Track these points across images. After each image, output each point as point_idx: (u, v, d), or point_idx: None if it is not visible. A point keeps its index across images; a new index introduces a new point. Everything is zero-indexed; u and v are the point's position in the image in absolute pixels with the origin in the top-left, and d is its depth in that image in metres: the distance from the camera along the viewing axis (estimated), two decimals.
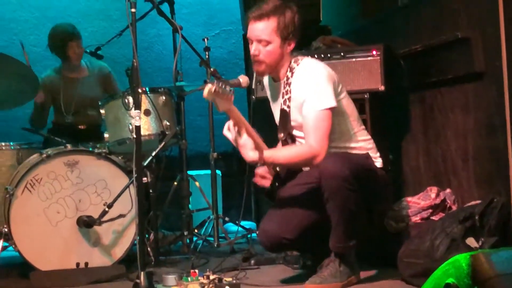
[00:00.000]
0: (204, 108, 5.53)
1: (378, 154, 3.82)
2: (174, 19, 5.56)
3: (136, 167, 3.34)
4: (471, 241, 3.46)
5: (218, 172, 6.34)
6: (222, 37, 6.78)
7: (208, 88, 3.28)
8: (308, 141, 3.57)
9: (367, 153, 3.74)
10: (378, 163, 3.78)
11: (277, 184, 3.73)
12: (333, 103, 3.56)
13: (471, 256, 2.56)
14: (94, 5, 6.61)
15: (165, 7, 5.45)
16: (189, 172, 5.55)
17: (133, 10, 3.47)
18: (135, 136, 3.42)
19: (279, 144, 3.84)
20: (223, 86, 3.32)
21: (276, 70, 3.74)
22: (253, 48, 3.68)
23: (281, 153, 3.65)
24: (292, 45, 3.69)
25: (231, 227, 5.79)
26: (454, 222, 3.53)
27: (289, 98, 3.70)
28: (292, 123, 3.73)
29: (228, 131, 3.59)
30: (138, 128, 3.38)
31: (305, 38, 4.95)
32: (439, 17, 4.25)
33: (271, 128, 4.06)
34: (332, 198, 3.50)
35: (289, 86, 3.70)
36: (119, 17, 6.53)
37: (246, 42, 6.01)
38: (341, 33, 5.60)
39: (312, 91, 3.57)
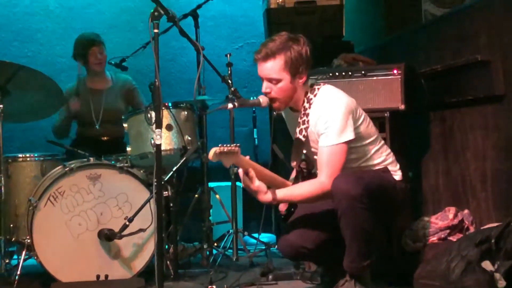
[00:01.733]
0: (226, 121, 5.57)
1: (397, 167, 3.83)
2: (199, 32, 5.64)
3: (157, 187, 3.39)
4: (486, 265, 3.46)
5: (239, 184, 6.39)
6: (245, 50, 6.82)
7: (213, 152, 3.35)
8: (320, 176, 3.60)
9: (385, 167, 3.76)
10: (397, 176, 3.79)
11: (292, 209, 3.77)
12: (349, 137, 3.59)
13: None
14: (120, 16, 6.68)
15: (189, 21, 5.56)
16: (211, 184, 5.61)
17: (155, 30, 3.52)
18: (156, 153, 3.48)
19: (293, 172, 3.87)
20: (227, 145, 3.37)
21: (292, 103, 3.76)
22: (264, 86, 3.71)
23: (294, 192, 3.65)
24: (304, 78, 3.69)
25: (251, 239, 5.82)
26: (470, 245, 3.54)
27: (306, 128, 3.72)
28: (312, 150, 3.76)
29: (241, 177, 3.62)
30: (158, 147, 3.43)
31: (327, 54, 5.04)
32: (460, 38, 4.26)
33: (290, 145, 4.11)
34: (345, 217, 3.52)
35: (307, 117, 3.71)
36: (144, 28, 6.52)
37: None
38: (364, 48, 5.64)
39: (328, 125, 3.58)
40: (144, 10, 6.18)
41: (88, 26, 6.33)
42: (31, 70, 4.52)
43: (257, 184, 3.54)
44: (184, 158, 4.43)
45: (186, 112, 4.64)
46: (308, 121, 3.70)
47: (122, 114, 5.30)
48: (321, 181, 3.56)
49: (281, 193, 3.59)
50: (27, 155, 4.87)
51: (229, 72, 5.24)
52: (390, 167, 3.78)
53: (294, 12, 5.58)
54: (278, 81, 3.66)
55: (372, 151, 3.76)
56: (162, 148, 4.43)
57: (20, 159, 4.83)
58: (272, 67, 3.66)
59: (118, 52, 5.62)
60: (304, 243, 3.74)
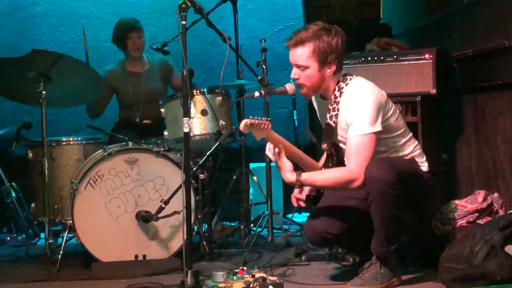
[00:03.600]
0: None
1: (424, 158, 3.88)
2: (237, 16, 5.73)
3: (185, 173, 3.53)
4: (510, 249, 3.50)
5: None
6: (285, 33, 6.87)
7: (244, 123, 3.49)
8: (348, 165, 3.67)
9: (413, 158, 3.82)
10: (424, 167, 3.85)
11: (322, 190, 3.87)
12: (378, 128, 3.64)
13: None
14: (163, 1, 6.80)
15: (228, 5, 5.65)
16: (251, 165, 5.73)
17: (183, 22, 3.62)
18: (184, 141, 3.60)
19: (324, 155, 3.95)
20: (259, 118, 3.51)
21: (321, 91, 3.84)
22: (293, 72, 3.80)
23: (319, 176, 3.75)
24: (333, 68, 3.73)
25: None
26: (494, 229, 3.58)
27: (336, 115, 3.77)
28: (339, 138, 3.82)
29: (269, 151, 3.73)
30: (186, 135, 3.55)
31: (364, 37, 5.08)
32: (491, 23, 4.28)
33: None
34: (376, 202, 3.61)
35: (337, 105, 3.76)
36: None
37: None
38: (401, 30, 5.66)
39: (358, 115, 3.64)
40: None
41: (131, 10, 6.50)
42: (70, 58, 4.69)
43: (283, 160, 3.66)
44: (218, 143, 4.54)
45: (220, 97, 4.75)
46: (338, 109, 3.77)
47: (162, 94, 5.46)
48: (350, 169, 3.64)
49: (305, 175, 3.69)
50: (70, 138, 5.05)
51: (264, 57, 5.31)
52: (417, 159, 3.83)
53: None
54: (305, 68, 3.75)
55: (401, 143, 3.81)
56: (197, 132, 4.64)
57: (64, 143, 5.01)
58: (300, 54, 3.75)
59: (160, 37, 5.75)
60: (330, 229, 3.85)
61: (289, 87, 3.86)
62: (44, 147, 4.67)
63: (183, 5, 3.69)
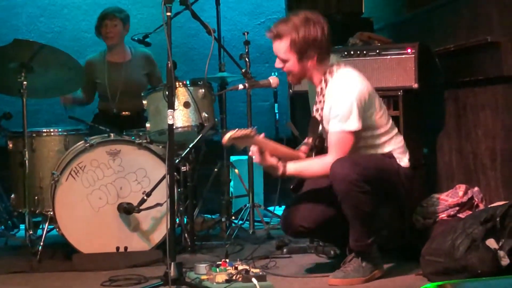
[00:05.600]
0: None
1: (406, 155, 3.88)
2: (220, 9, 5.73)
3: (168, 164, 3.52)
4: (491, 242, 3.53)
5: None
6: (267, 25, 6.83)
7: (228, 137, 3.51)
8: (328, 156, 3.70)
9: (390, 153, 3.83)
10: (404, 163, 3.86)
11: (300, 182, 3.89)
12: (356, 126, 3.66)
13: (438, 286, 2.69)
14: None
15: None
16: (232, 157, 5.73)
17: (168, 14, 3.61)
18: (168, 133, 3.59)
19: (303, 147, 3.96)
20: (242, 130, 3.55)
21: (308, 79, 3.86)
22: (276, 62, 3.82)
23: (303, 169, 3.77)
24: (314, 59, 3.73)
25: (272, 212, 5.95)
26: (475, 223, 3.61)
27: (321, 108, 3.79)
28: (326, 129, 3.82)
29: (254, 154, 3.76)
30: (170, 127, 3.54)
31: (346, 31, 5.09)
32: (473, 18, 4.30)
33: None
34: (344, 200, 3.66)
35: (323, 97, 3.78)
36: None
37: None
38: (383, 25, 5.68)
39: (339, 111, 3.65)
40: None
41: (113, 1, 6.43)
42: (53, 48, 4.66)
43: (267, 159, 3.70)
44: (200, 135, 4.54)
45: (203, 90, 4.74)
46: (323, 102, 3.78)
47: (142, 87, 5.43)
48: (329, 162, 3.66)
49: (291, 168, 3.72)
50: (51, 129, 5.02)
51: (246, 50, 5.31)
52: (396, 153, 3.83)
53: None
54: (285, 61, 3.76)
55: (380, 141, 3.83)
56: (180, 125, 4.63)
57: (44, 134, 4.98)
58: (279, 48, 3.77)
59: (142, 28, 5.73)
60: (304, 222, 3.89)
61: (273, 80, 3.87)
62: (25, 138, 4.63)
63: None
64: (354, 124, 3.65)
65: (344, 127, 3.65)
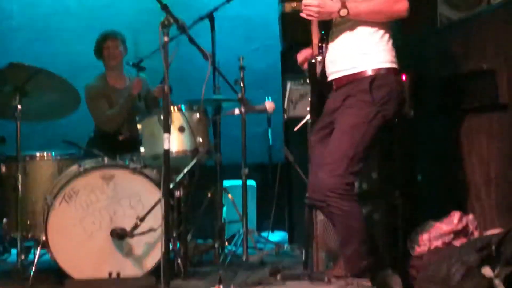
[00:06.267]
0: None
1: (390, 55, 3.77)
2: (214, 34, 5.74)
3: (164, 189, 3.50)
4: (486, 270, 3.53)
5: (253, 182, 6.50)
6: (261, 51, 6.92)
7: None
8: None
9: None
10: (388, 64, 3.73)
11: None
12: None
13: None
14: (139, 17, 6.80)
15: (205, 23, 5.66)
16: (225, 182, 5.71)
17: (165, 39, 3.62)
18: (164, 157, 3.58)
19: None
20: None
21: None
22: None
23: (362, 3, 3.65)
24: None
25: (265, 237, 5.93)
26: (470, 250, 3.60)
27: None
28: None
29: None
30: (166, 152, 3.53)
31: None
32: (468, 46, 4.32)
33: (305, 146, 4.20)
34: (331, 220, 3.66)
35: None
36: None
37: (284, 57, 6.16)
38: None
39: None
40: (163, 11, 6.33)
41: (107, 26, 6.42)
42: (48, 72, 4.66)
43: None
44: (195, 160, 4.53)
45: (198, 115, 4.74)
46: None
47: (139, 112, 5.43)
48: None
49: (351, 5, 3.62)
50: (45, 153, 5.00)
51: (242, 76, 5.32)
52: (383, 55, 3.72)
53: None
54: None
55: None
56: (174, 149, 4.61)
57: (38, 158, 4.97)
58: None
59: (136, 52, 5.74)
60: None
61: (269, 105, 3.89)
62: (19, 161, 4.61)
63: (165, 22, 3.71)
64: None
65: None
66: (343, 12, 3.60)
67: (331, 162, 3.59)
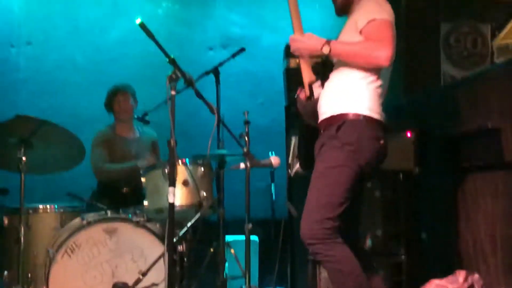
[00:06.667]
0: (244, 175, 5.65)
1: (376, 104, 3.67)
2: (220, 89, 5.78)
3: (168, 243, 3.48)
4: None
5: (256, 238, 6.46)
6: (266, 106, 6.95)
7: None
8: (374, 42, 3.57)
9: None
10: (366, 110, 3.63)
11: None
12: (389, 18, 3.59)
13: None
14: (145, 71, 6.83)
15: (210, 77, 5.70)
16: (228, 237, 5.67)
17: (172, 92, 3.64)
18: (169, 211, 3.57)
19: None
20: None
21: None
22: None
23: (346, 44, 3.64)
24: None
25: None
26: None
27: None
28: None
29: None
30: (171, 205, 3.52)
31: None
32: (473, 104, 4.34)
33: None
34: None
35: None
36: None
37: (288, 112, 6.19)
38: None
39: (368, 8, 3.63)
40: (168, 66, 6.38)
41: (113, 79, 6.48)
42: (53, 124, 4.67)
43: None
44: (199, 214, 4.51)
45: (202, 169, 4.74)
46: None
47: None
48: (376, 43, 3.54)
49: (333, 43, 3.62)
50: (47, 206, 4.99)
51: (246, 130, 5.32)
52: (363, 104, 3.63)
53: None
54: None
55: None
56: (178, 203, 4.59)
57: (41, 210, 4.95)
58: None
59: (140, 106, 5.77)
60: None
61: (274, 160, 3.88)
62: (21, 214, 4.59)
63: (173, 76, 3.73)
64: (388, 16, 3.59)
65: (376, 16, 3.57)
66: (325, 50, 3.61)
67: (307, 210, 3.57)
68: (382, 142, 3.62)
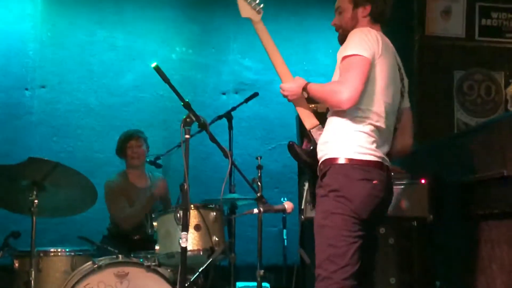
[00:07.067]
0: (256, 220, 5.62)
1: (373, 150, 3.54)
2: (232, 133, 5.79)
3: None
4: None
5: (267, 285, 6.39)
6: (278, 151, 6.94)
7: None
8: (338, 82, 3.51)
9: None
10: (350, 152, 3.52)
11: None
12: (365, 53, 3.44)
13: None
14: (158, 115, 6.88)
15: (223, 122, 5.72)
16: (239, 284, 5.63)
17: (187, 136, 3.63)
18: (181, 255, 3.54)
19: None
20: None
21: None
22: (333, 20, 3.79)
23: (319, 85, 3.59)
24: (367, 10, 3.67)
25: None
26: None
27: None
28: None
29: None
30: (184, 250, 3.49)
31: None
32: (488, 151, 4.31)
33: None
34: None
35: None
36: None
37: None
38: None
39: (345, 45, 3.54)
40: (181, 110, 6.40)
41: (126, 123, 6.54)
42: (66, 167, 4.65)
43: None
44: (210, 260, 4.47)
45: (214, 213, 4.71)
46: None
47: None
48: (337, 84, 3.47)
49: (310, 85, 3.61)
50: (59, 249, 4.94)
51: (259, 175, 5.30)
52: (358, 147, 3.51)
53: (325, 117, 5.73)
54: (341, 11, 3.74)
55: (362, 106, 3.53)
56: (190, 248, 4.54)
57: (52, 254, 4.89)
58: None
59: (153, 150, 5.79)
60: None
61: (288, 205, 3.85)
62: (32, 257, 4.56)
63: (187, 119, 3.73)
64: (361, 51, 3.45)
65: (347, 52, 3.46)
66: (304, 94, 3.63)
67: (316, 267, 3.50)
68: (375, 182, 3.48)
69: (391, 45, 3.71)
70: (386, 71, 3.56)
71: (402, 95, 3.75)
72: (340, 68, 3.50)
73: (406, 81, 3.81)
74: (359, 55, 3.43)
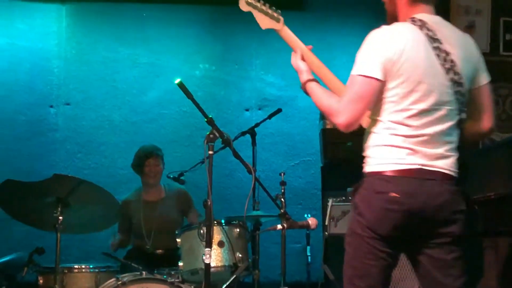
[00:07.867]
0: (279, 236, 5.60)
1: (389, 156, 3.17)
2: (256, 149, 5.78)
3: None
4: None
5: None
6: (301, 167, 6.93)
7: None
8: (338, 99, 3.20)
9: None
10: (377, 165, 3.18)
11: None
12: (371, 72, 3.07)
13: None
14: (181, 131, 6.90)
15: (247, 137, 5.72)
16: None
17: (210, 152, 3.64)
18: (205, 272, 3.54)
19: None
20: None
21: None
22: None
23: (320, 95, 3.31)
24: None
25: None
26: None
27: None
28: None
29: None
30: (207, 266, 3.48)
31: None
32: None
33: None
34: None
35: None
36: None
37: (324, 172, 6.16)
38: None
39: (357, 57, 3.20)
40: (204, 126, 6.40)
41: (149, 139, 6.55)
42: (91, 184, 4.68)
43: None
44: (234, 276, 4.46)
45: (238, 229, 4.71)
46: None
47: (177, 224, 5.45)
48: (335, 104, 3.15)
49: (313, 84, 3.39)
50: (83, 266, 4.95)
51: (283, 191, 5.29)
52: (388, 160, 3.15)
53: (349, 133, 5.70)
54: None
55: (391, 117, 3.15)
56: (213, 264, 4.54)
57: (76, 270, 4.91)
58: None
59: (177, 166, 5.79)
60: None
61: (312, 221, 3.84)
62: (57, 274, 4.58)
63: (211, 135, 3.75)
64: (367, 69, 3.08)
65: (353, 69, 3.12)
66: (303, 89, 3.45)
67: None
68: (392, 194, 3.10)
69: (436, 27, 3.19)
70: (415, 67, 3.10)
71: (457, 82, 3.19)
72: (347, 83, 3.20)
73: (465, 64, 3.25)
74: (363, 75, 3.09)
